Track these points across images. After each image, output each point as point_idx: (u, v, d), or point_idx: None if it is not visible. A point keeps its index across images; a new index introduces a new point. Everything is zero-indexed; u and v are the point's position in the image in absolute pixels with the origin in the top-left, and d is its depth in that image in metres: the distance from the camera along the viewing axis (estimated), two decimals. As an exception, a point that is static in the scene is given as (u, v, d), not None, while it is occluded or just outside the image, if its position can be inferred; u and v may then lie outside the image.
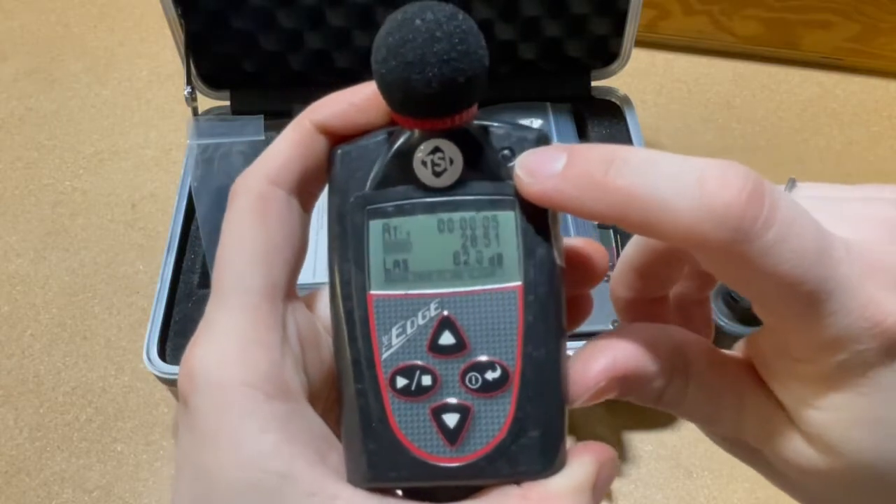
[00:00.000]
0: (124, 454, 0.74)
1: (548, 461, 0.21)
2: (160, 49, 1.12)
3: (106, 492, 0.71)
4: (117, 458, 0.73)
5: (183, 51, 0.77)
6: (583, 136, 0.83)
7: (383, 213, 0.21)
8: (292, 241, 0.22)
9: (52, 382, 0.79)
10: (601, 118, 0.84)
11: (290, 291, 0.22)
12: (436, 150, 0.21)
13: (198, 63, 0.79)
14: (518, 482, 0.21)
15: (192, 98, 0.79)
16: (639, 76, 1.05)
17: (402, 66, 0.19)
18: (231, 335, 0.20)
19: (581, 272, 0.23)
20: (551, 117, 0.83)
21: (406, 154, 0.21)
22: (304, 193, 0.22)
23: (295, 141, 0.22)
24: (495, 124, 0.22)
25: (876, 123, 1.01)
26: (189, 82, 0.78)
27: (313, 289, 0.24)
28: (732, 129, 1.00)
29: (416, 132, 0.21)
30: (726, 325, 0.68)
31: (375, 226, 0.21)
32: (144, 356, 0.65)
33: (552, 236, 0.21)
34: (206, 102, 0.83)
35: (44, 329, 0.83)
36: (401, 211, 0.21)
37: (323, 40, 0.79)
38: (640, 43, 0.83)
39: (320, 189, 0.23)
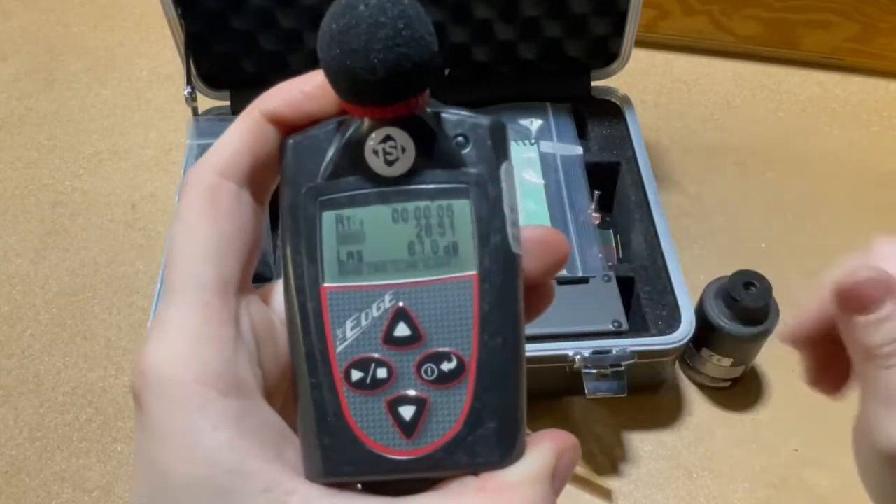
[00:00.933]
0: (124, 454, 0.74)
1: (505, 451, 0.21)
2: (160, 49, 1.12)
3: (106, 492, 0.71)
4: (117, 458, 0.73)
5: (183, 51, 0.77)
6: (583, 136, 0.83)
7: (336, 204, 0.21)
8: (243, 234, 0.21)
9: (52, 382, 0.79)
10: (601, 118, 0.84)
11: (244, 285, 0.21)
12: (387, 138, 0.20)
13: (198, 63, 0.79)
14: (476, 473, 0.21)
15: (192, 98, 0.79)
16: (639, 76, 1.05)
17: (347, 53, 0.19)
18: (182, 332, 0.19)
19: (540, 260, 0.22)
20: (551, 117, 0.83)
21: (357, 143, 0.21)
22: (255, 185, 0.22)
23: (244, 131, 0.21)
24: (448, 111, 0.21)
25: (876, 123, 1.01)
26: (189, 82, 0.78)
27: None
28: (732, 129, 1.00)
29: (366, 121, 0.20)
30: (727, 326, 0.68)
31: (328, 217, 0.21)
32: (144, 356, 0.65)
33: (508, 223, 0.21)
34: (206, 102, 0.83)
35: (44, 329, 0.83)
36: (353, 202, 0.21)
37: (323, 40, 0.79)
38: (640, 43, 0.83)
39: (273, 181, 0.22)
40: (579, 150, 0.80)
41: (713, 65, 1.08)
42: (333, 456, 0.20)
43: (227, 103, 0.83)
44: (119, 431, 0.75)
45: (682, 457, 0.72)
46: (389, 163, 0.21)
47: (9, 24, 1.17)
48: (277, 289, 0.23)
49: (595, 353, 0.65)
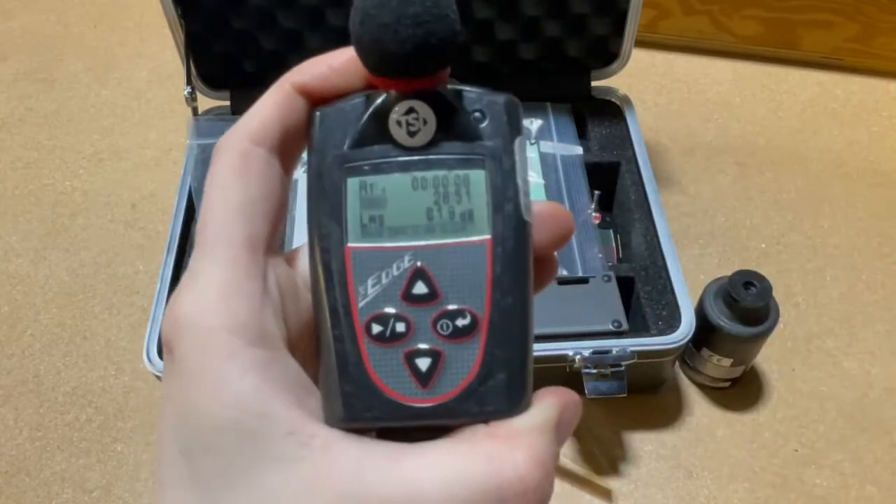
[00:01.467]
0: (124, 454, 0.74)
1: (513, 402, 0.22)
2: (160, 49, 1.12)
3: (106, 492, 0.71)
4: (117, 458, 0.73)
5: (183, 51, 0.77)
6: (583, 136, 0.83)
7: (360, 171, 0.22)
8: (272, 197, 0.22)
9: (52, 382, 0.79)
10: (601, 118, 0.84)
11: (271, 246, 0.23)
12: (410, 110, 0.22)
13: (198, 63, 0.79)
14: (486, 421, 0.22)
15: (192, 98, 0.79)
16: (639, 76, 1.05)
17: (378, 28, 0.20)
18: (213, 285, 0.21)
19: (548, 233, 0.24)
20: (551, 117, 0.83)
21: (382, 115, 0.22)
22: (284, 154, 0.23)
23: (275, 102, 0.23)
24: (467, 88, 0.23)
25: (876, 123, 1.01)
26: (189, 82, 0.78)
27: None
28: (732, 129, 1.00)
29: (392, 93, 0.22)
30: (727, 325, 0.68)
31: (353, 183, 0.22)
32: (144, 356, 0.65)
33: (521, 193, 0.22)
34: (206, 102, 0.83)
35: (44, 329, 0.83)
36: (377, 169, 0.22)
37: (323, 40, 0.79)
38: (640, 43, 0.83)
39: (300, 151, 0.24)
40: (579, 150, 0.80)
41: (713, 65, 1.08)
42: (354, 403, 0.22)
43: (227, 103, 0.83)
44: (119, 431, 0.75)
45: (682, 457, 0.72)
46: (411, 134, 0.22)
47: (9, 24, 1.17)
48: (301, 253, 0.24)
49: (595, 353, 0.65)
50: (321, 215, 0.22)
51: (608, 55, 0.83)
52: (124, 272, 0.87)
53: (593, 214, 0.77)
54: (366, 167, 0.22)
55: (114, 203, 0.94)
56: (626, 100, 0.85)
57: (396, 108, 0.22)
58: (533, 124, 0.82)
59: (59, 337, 0.82)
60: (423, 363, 0.22)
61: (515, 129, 0.23)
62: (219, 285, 0.21)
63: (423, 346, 0.22)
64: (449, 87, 0.22)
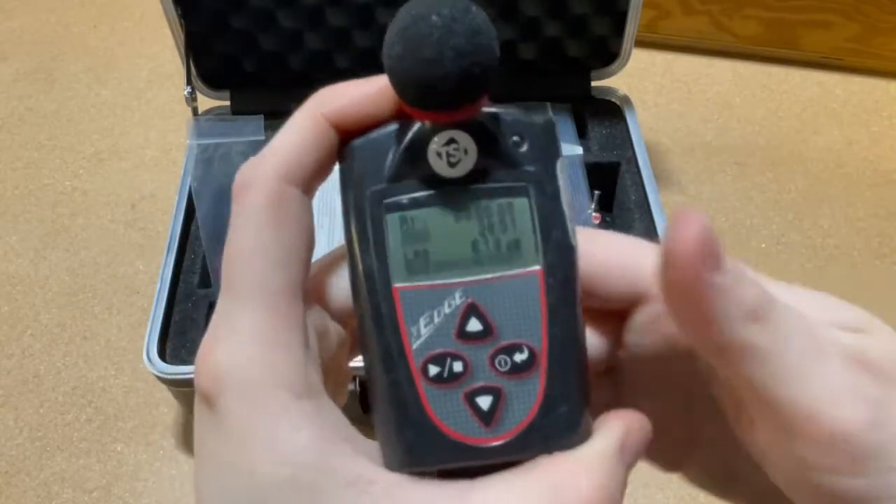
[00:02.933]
0: (124, 454, 0.74)
1: (578, 433, 0.22)
2: (160, 49, 1.12)
3: (106, 492, 0.71)
4: (117, 458, 0.73)
5: (183, 51, 0.77)
6: (583, 136, 0.83)
7: (400, 206, 0.21)
8: (307, 239, 0.22)
9: (52, 382, 0.79)
10: (601, 118, 0.84)
11: (303, 289, 0.22)
12: (451, 141, 0.21)
13: (198, 63, 0.79)
14: (550, 453, 0.22)
15: (192, 98, 0.79)
16: (639, 76, 1.05)
17: (421, 62, 0.19)
18: (256, 337, 0.20)
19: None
20: (551, 117, 0.83)
21: (420, 146, 0.21)
22: (313, 186, 0.22)
23: (308, 134, 0.21)
24: (503, 111, 0.22)
25: (876, 123, 1.01)
26: (189, 82, 0.78)
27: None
28: (732, 129, 1.00)
29: (429, 124, 0.21)
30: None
31: (393, 219, 0.21)
32: (144, 356, 0.65)
33: (567, 219, 0.22)
34: (206, 102, 0.83)
35: (44, 329, 0.83)
36: (417, 203, 0.21)
37: (323, 40, 0.79)
38: (640, 43, 0.83)
39: (323, 180, 0.23)
40: (579, 150, 0.80)
41: (713, 65, 1.08)
42: (417, 447, 0.21)
43: (227, 103, 0.83)
44: (119, 431, 0.75)
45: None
46: (452, 164, 0.21)
47: (9, 24, 1.17)
48: (327, 285, 0.24)
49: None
50: (364, 254, 0.22)
51: (608, 55, 0.83)
52: (124, 272, 0.87)
53: (593, 214, 0.77)
54: (406, 201, 0.21)
55: (114, 203, 0.94)
56: (626, 100, 0.85)
57: (436, 139, 0.21)
58: (533, 124, 0.82)
59: (59, 337, 0.82)
60: (485, 402, 0.21)
61: (555, 152, 0.22)
62: (261, 338, 0.20)
63: (482, 384, 0.21)
64: (486, 109, 0.21)
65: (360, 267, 0.22)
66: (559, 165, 0.22)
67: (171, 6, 0.74)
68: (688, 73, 1.07)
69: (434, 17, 0.19)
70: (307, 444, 0.19)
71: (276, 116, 0.80)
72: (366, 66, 0.81)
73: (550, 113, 0.23)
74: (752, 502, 0.25)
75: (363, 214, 0.22)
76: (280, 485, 0.19)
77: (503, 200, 0.22)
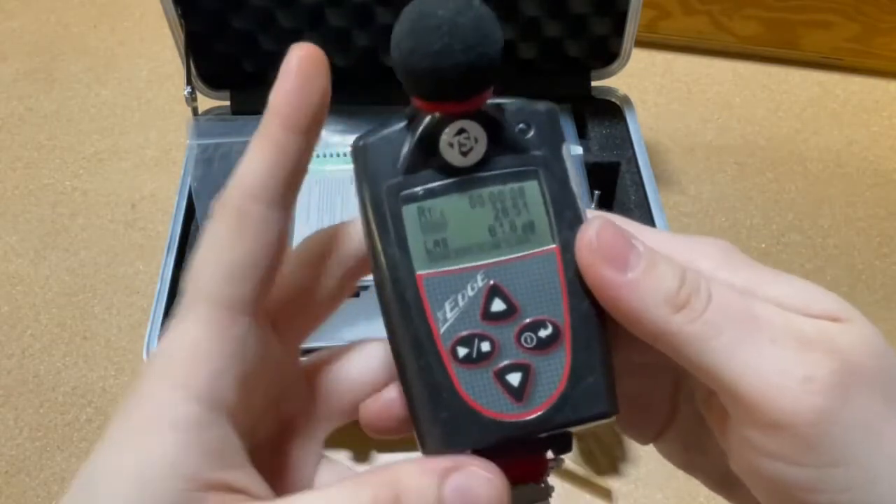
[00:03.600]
0: (124, 454, 0.74)
1: (607, 402, 0.22)
2: (160, 49, 1.12)
3: (106, 492, 0.71)
4: (117, 458, 0.73)
5: (183, 51, 0.77)
6: (583, 136, 0.83)
7: (417, 197, 0.22)
8: (266, 258, 0.22)
9: (52, 382, 0.79)
10: (601, 118, 0.84)
11: (258, 307, 0.22)
12: (461, 130, 0.22)
13: (198, 63, 0.79)
14: (584, 424, 0.23)
15: (192, 98, 0.79)
16: (639, 76, 1.05)
17: (431, 55, 0.20)
18: (185, 341, 0.21)
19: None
20: (551, 117, 0.83)
21: (432, 138, 0.22)
22: (284, 197, 0.22)
23: (264, 151, 0.22)
24: (508, 101, 0.23)
25: (876, 123, 1.01)
26: (189, 82, 0.78)
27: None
28: (732, 129, 1.00)
29: (439, 116, 0.22)
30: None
31: (410, 210, 0.22)
32: (144, 356, 0.65)
33: (577, 197, 0.23)
34: (206, 102, 0.83)
35: (44, 329, 0.83)
36: (433, 193, 0.22)
37: (323, 40, 0.79)
38: (640, 43, 0.83)
39: (300, 183, 0.23)
40: (579, 150, 0.80)
41: (713, 65, 1.08)
42: (453, 428, 0.22)
43: (227, 103, 0.83)
44: (119, 431, 0.75)
45: (682, 457, 0.72)
46: (464, 154, 0.22)
47: (9, 24, 1.17)
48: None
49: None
50: (385, 247, 0.22)
51: (608, 55, 0.83)
52: (124, 272, 0.87)
53: (593, 214, 0.77)
54: (421, 192, 0.22)
55: (114, 203, 0.94)
56: (626, 100, 0.85)
57: (447, 130, 0.22)
58: (533, 124, 0.82)
59: (59, 337, 0.82)
60: (514, 378, 0.22)
61: (560, 136, 0.23)
62: (189, 343, 0.21)
63: (510, 361, 0.22)
64: (490, 101, 0.22)
65: (383, 259, 0.22)
66: (565, 149, 0.23)
67: (171, 6, 0.74)
68: (688, 73, 1.07)
69: (441, 12, 0.20)
70: (170, 446, 0.19)
71: (276, 116, 0.80)
72: (366, 65, 0.81)
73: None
74: (715, 482, 0.26)
75: (381, 208, 0.22)
76: (131, 480, 0.19)
77: (515, 185, 0.23)
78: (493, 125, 0.22)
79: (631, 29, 0.79)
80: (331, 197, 0.74)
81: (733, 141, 0.99)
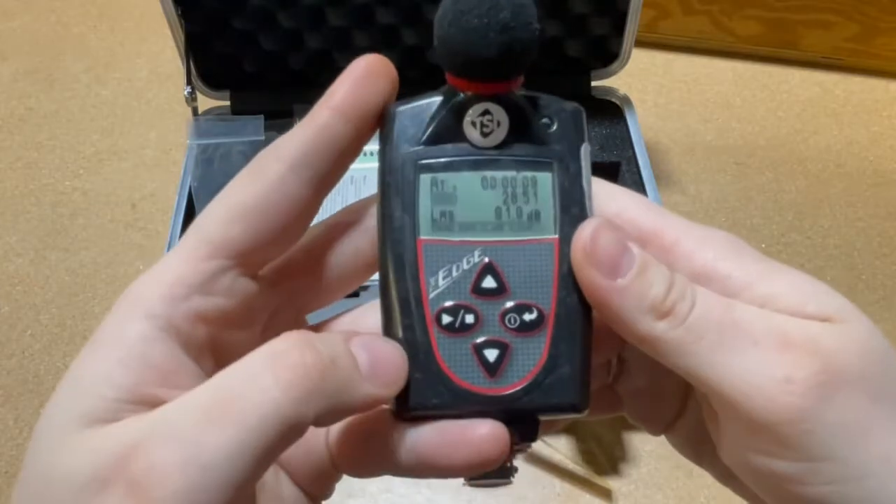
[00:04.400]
0: (124, 454, 0.74)
1: (577, 395, 0.23)
2: (160, 49, 1.12)
3: (106, 492, 0.71)
4: (117, 458, 0.73)
5: (183, 51, 0.77)
6: (583, 136, 0.83)
7: (432, 168, 0.23)
8: (270, 211, 0.22)
9: (52, 382, 0.79)
10: (601, 118, 0.84)
11: (249, 256, 0.22)
12: (485, 112, 0.23)
13: (198, 63, 0.79)
14: (550, 414, 0.23)
15: (192, 98, 0.79)
16: (639, 76, 1.05)
17: (467, 31, 0.21)
18: (158, 267, 0.22)
19: None
20: (551, 117, 0.83)
21: (457, 115, 0.23)
22: (310, 167, 0.22)
23: (305, 126, 0.22)
24: (537, 94, 0.24)
25: (876, 123, 1.01)
26: (189, 82, 0.78)
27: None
28: (732, 129, 1.00)
29: (469, 95, 0.23)
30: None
31: (425, 179, 0.23)
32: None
33: (586, 196, 0.23)
34: (206, 102, 0.83)
35: (44, 329, 0.83)
36: (449, 167, 0.23)
37: (323, 40, 0.79)
38: (640, 43, 0.83)
39: (337, 170, 0.23)
40: (579, 150, 0.80)
41: (713, 65, 1.08)
42: (423, 389, 0.22)
43: (227, 103, 0.83)
44: (119, 431, 0.75)
45: (682, 457, 0.72)
46: (485, 135, 0.23)
47: (9, 24, 1.17)
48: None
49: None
50: (394, 208, 0.23)
51: (608, 55, 0.83)
52: (124, 272, 0.87)
53: (593, 214, 0.77)
54: (438, 164, 0.23)
55: (114, 203, 0.94)
56: (626, 100, 0.85)
57: (472, 110, 0.23)
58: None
59: (59, 337, 0.82)
60: (491, 354, 0.23)
61: (581, 136, 0.24)
62: (160, 269, 0.22)
63: (491, 337, 0.23)
64: (520, 92, 0.23)
65: (390, 219, 0.23)
66: (583, 149, 0.23)
67: (171, 6, 0.74)
68: (688, 73, 1.07)
69: None
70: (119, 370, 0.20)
71: (276, 116, 0.80)
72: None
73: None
74: (723, 474, 0.26)
75: (398, 172, 0.23)
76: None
77: (528, 173, 0.23)
78: (518, 112, 0.23)
79: (631, 29, 0.79)
80: (331, 196, 0.74)
81: (733, 141, 0.99)
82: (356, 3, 0.76)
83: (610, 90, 0.86)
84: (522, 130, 0.23)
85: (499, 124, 0.23)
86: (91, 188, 0.95)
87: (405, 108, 0.23)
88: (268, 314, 0.24)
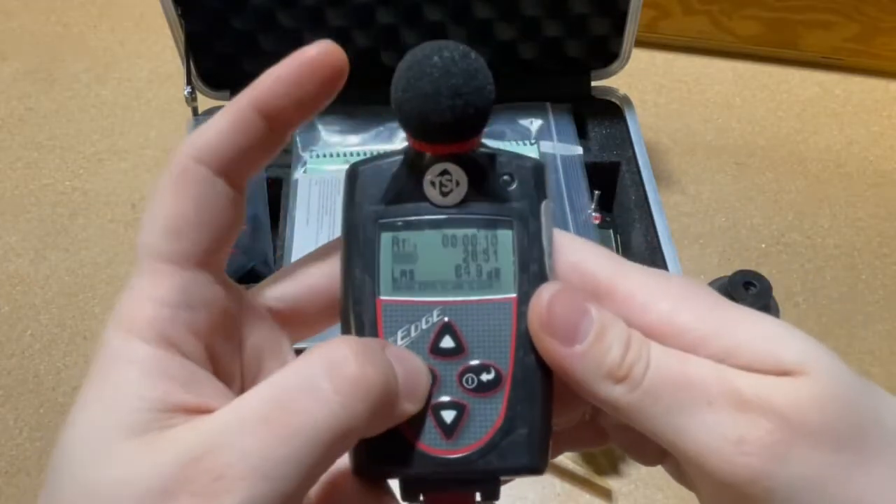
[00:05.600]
0: (124, 454, 0.74)
1: (534, 457, 0.23)
2: (160, 49, 1.12)
3: (106, 492, 0.71)
4: (117, 458, 0.73)
5: (183, 51, 0.77)
6: (583, 136, 0.83)
7: (393, 227, 0.23)
8: (207, 214, 0.22)
9: (52, 382, 0.79)
10: (601, 118, 0.84)
11: (204, 262, 0.22)
12: (444, 172, 0.23)
13: (198, 63, 0.79)
14: (508, 475, 0.23)
15: (192, 98, 0.79)
16: (639, 76, 1.05)
17: (420, 97, 0.22)
18: (130, 292, 0.22)
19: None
20: (551, 117, 0.83)
21: (417, 174, 0.23)
22: (233, 172, 0.22)
23: (227, 121, 0.22)
24: (497, 152, 0.24)
25: (876, 123, 1.01)
26: (189, 82, 0.78)
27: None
28: (732, 129, 1.00)
29: (428, 155, 0.23)
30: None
31: (386, 238, 0.23)
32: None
33: (545, 255, 0.23)
34: (206, 102, 0.83)
35: (44, 329, 0.83)
36: (409, 226, 0.23)
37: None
38: (640, 43, 0.83)
39: (255, 169, 0.23)
40: (579, 150, 0.80)
41: (713, 65, 1.08)
42: (380, 452, 0.22)
43: (227, 103, 0.83)
44: (119, 431, 0.75)
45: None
46: (444, 194, 0.23)
47: (9, 24, 1.17)
48: (271, 285, 0.25)
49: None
50: (354, 267, 0.23)
51: (608, 55, 0.83)
52: (124, 272, 0.87)
53: (593, 215, 0.77)
54: (399, 223, 0.23)
55: (114, 203, 0.94)
56: (626, 100, 0.85)
57: (431, 170, 0.23)
58: (533, 124, 0.82)
59: (59, 337, 0.82)
60: (448, 415, 0.23)
61: (542, 193, 0.24)
62: (136, 296, 0.21)
63: (448, 398, 0.23)
64: (480, 150, 0.23)
65: (350, 277, 0.23)
66: (544, 206, 0.24)
67: (171, 6, 0.74)
68: (688, 73, 1.07)
69: (436, 58, 0.22)
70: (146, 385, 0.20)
71: (276, 116, 0.80)
72: (366, 66, 0.81)
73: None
74: None
75: (359, 230, 0.23)
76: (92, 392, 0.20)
77: (488, 231, 0.23)
78: (477, 171, 0.23)
79: (631, 29, 0.79)
80: (331, 197, 0.74)
81: (733, 141, 0.99)
82: (356, 3, 0.76)
83: (610, 90, 0.86)
84: (482, 188, 0.23)
85: (458, 183, 0.23)
86: (91, 188, 0.95)
87: (367, 167, 0.24)
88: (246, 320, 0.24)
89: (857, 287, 0.84)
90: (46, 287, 0.86)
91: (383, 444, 0.22)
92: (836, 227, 0.90)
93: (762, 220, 0.90)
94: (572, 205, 0.77)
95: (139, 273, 0.22)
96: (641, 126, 0.83)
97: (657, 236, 0.73)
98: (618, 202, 0.81)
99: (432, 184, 0.23)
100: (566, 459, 0.71)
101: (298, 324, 0.25)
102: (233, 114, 0.22)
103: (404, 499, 0.24)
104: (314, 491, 0.23)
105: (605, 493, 0.70)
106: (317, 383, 0.19)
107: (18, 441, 0.75)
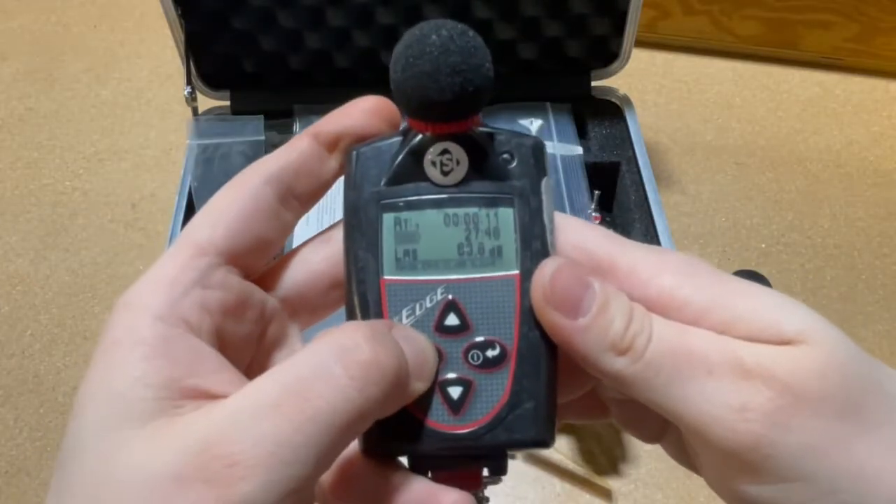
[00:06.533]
0: (124, 454, 0.74)
1: (541, 430, 0.23)
2: (160, 49, 1.12)
3: (106, 492, 0.71)
4: (117, 458, 0.73)
5: (183, 51, 0.77)
6: (583, 136, 0.83)
7: (395, 208, 0.23)
8: (253, 218, 0.23)
9: (52, 382, 0.79)
10: (601, 118, 0.84)
11: (233, 261, 0.23)
12: (444, 151, 0.23)
13: (198, 63, 0.79)
14: (514, 449, 0.23)
15: (192, 98, 0.79)
16: (639, 76, 1.05)
17: (419, 75, 0.22)
18: (152, 275, 0.22)
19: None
20: (551, 117, 0.83)
21: (417, 155, 0.23)
22: (294, 197, 0.24)
23: (285, 151, 0.24)
24: (496, 130, 0.24)
25: (876, 123, 1.01)
26: (189, 82, 0.78)
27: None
28: (732, 129, 1.00)
29: (428, 135, 0.23)
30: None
31: (388, 218, 0.23)
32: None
33: (547, 231, 0.23)
34: (206, 102, 0.83)
35: (44, 329, 0.83)
36: (411, 206, 0.23)
37: (323, 40, 0.79)
38: (640, 43, 0.83)
39: (315, 198, 0.25)
40: (579, 150, 0.80)
41: (713, 65, 1.08)
42: (390, 430, 0.23)
43: (227, 103, 0.83)
44: (119, 431, 0.75)
45: (682, 457, 0.72)
46: (445, 173, 0.23)
47: (9, 24, 1.17)
48: (283, 271, 0.26)
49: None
50: (358, 249, 0.23)
51: (608, 55, 0.83)
52: (124, 272, 0.87)
53: (593, 215, 0.77)
54: (401, 203, 0.23)
55: (114, 203, 0.94)
56: (626, 100, 0.85)
57: (431, 150, 0.23)
58: (533, 124, 0.82)
59: (59, 337, 0.82)
60: (455, 391, 0.23)
61: (542, 170, 0.24)
62: (153, 274, 0.22)
63: (454, 375, 0.23)
64: (479, 129, 0.24)
65: (353, 259, 0.24)
66: (544, 183, 0.24)
67: (171, 6, 0.74)
68: (688, 73, 1.07)
69: (434, 37, 0.22)
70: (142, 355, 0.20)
71: (275, 116, 0.80)
72: (366, 66, 0.81)
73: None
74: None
75: (361, 212, 0.24)
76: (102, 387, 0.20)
77: (490, 209, 0.23)
78: (477, 150, 0.23)
79: (631, 29, 0.79)
80: (331, 196, 0.74)
81: (733, 141, 0.99)
82: (356, 3, 0.76)
83: (610, 90, 0.86)
84: (482, 167, 0.23)
85: (458, 162, 0.23)
86: (91, 188, 0.96)
87: (366, 149, 0.24)
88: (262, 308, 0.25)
89: (857, 287, 0.84)
90: (46, 287, 0.86)
91: (391, 423, 0.22)
92: (836, 226, 0.90)
93: (762, 219, 0.90)
94: (572, 205, 0.77)
95: (164, 255, 0.22)
96: (641, 126, 0.83)
97: (657, 236, 0.73)
98: (618, 202, 0.81)
99: (433, 163, 0.23)
100: (566, 459, 0.71)
101: (302, 310, 0.25)
102: (301, 146, 0.24)
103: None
104: (325, 474, 0.23)
105: (605, 493, 0.70)
106: (330, 369, 0.19)
107: (18, 441, 0.75)
